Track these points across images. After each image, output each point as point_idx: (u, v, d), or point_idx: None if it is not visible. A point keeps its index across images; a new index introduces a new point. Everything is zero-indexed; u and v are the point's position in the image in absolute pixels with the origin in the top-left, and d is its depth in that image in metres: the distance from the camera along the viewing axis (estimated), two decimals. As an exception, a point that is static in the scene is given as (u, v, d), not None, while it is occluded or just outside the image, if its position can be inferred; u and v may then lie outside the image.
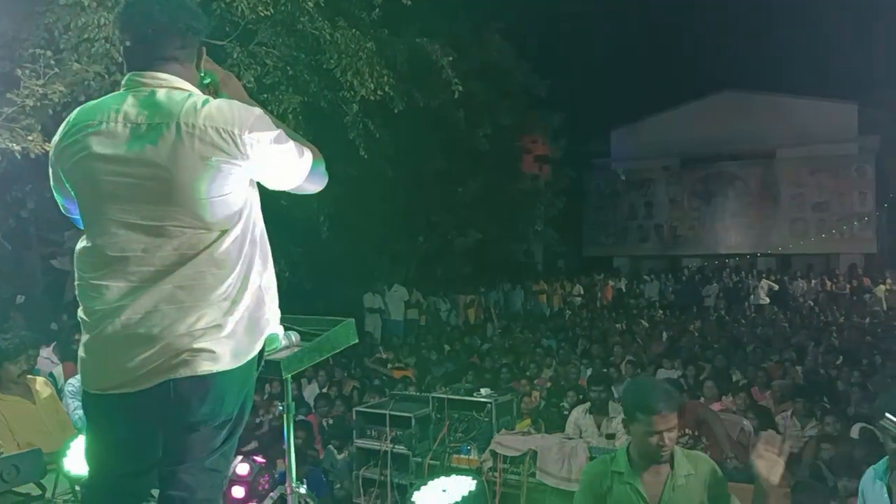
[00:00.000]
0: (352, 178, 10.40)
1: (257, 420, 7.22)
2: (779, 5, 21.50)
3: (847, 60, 21.13)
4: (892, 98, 21.28)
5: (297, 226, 10.58)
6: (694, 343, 12.71)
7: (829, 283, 19.92)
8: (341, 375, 9.32)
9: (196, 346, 1.84)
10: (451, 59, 9.22)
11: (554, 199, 21.54)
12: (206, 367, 1.84)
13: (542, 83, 18.73)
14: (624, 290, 21.47)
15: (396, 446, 5.52)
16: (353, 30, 8.09)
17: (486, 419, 5.65)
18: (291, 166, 2.05)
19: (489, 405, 5.71)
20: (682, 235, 24.65)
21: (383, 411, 5.75)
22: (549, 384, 8.91)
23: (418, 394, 6.39)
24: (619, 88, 23.21)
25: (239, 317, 1.92)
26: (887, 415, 0.93)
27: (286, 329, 2.33)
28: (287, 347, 2.38)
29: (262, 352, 2.06)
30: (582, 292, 20.81)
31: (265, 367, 2.15)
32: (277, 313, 2.12)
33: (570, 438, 5.25)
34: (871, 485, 2.93)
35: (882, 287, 18.56)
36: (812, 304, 18.54)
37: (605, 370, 8.89)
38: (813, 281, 20.04)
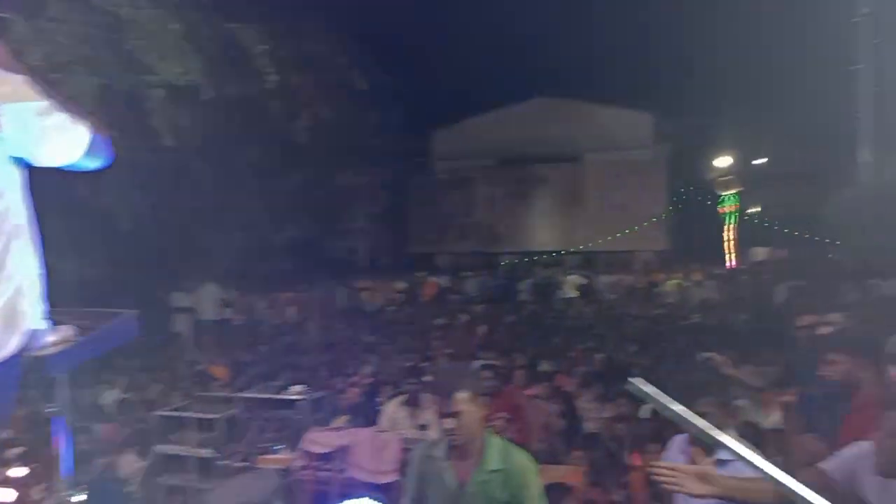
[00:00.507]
0: (155, 167, 9.73)
1: (34, 424, 6.57)
2: (589, 18, 23.01)
3: (646, 72, 23.11)
4: (681, 110, 23.60)
5: (96, 218, 9.75)
6: (508, 335, 13.31)
7: (627, 278, 21.62)
8: (145, 379, 8.72)
9: None
10: (266, 47, 8.91)
11: (375, 197, 21.59)
12: (-50, 362, 1.62)
13: (365, 79, 18.68)
14: (445, 286, 21.96)
15: (201, 450, 5.25)
16: (158, 9, 7.58)
17: (299, 417, 5.54)
18: (61, 141, 1.84)
19: (302, 403, 5.59)
20: (498, 234, 25.69)
21: (187, 414, 5.45)
22: (368, 380, 8.89)
23: (225, 395, 6.12)
24: (440, 89, 23.78)
25: None
26: (630, 379, 0.98)
27: (58, 323, 2.10)
28: (59, 342, 2.14)
29: (25, 348, 1.84)
30: (404, 289, 21.04)
31: (32, 365, 1.93)
32: (43, 306, 1.90)
33: (382, 432, 5.26)
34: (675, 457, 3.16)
35: (672, 281, 20.44)
36: (613, 296, 20.04)
37: (422, 363, 9.03)
38: (614, 276, 21.66)
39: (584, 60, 22.63)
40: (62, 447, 2.34)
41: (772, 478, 1.07)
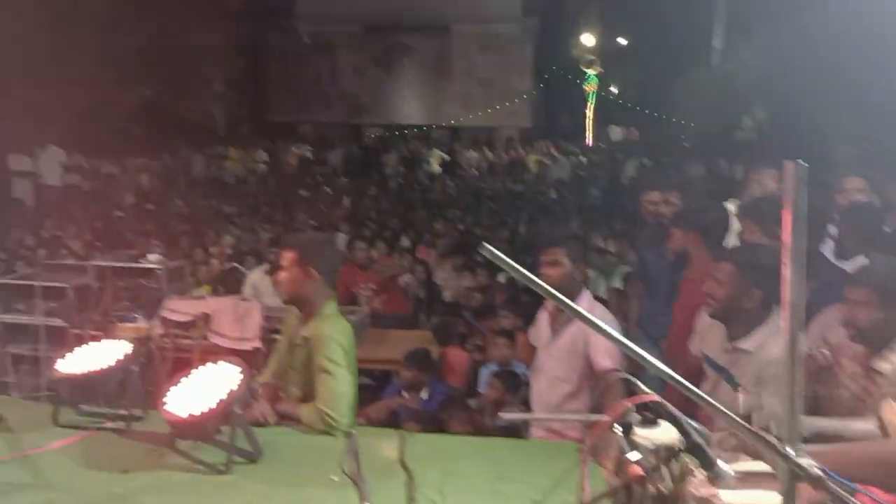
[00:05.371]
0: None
1: None
2: None
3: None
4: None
5: None
6: (372, 208, 13.40)
7: (490, 154, 22.00)
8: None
9: None
10: None
11: (233, 58, 20.31)
12: None
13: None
14: (309, 157, 21.48)
15: (50, 319, 5.05)
16: None
17: (156, 286, 5.41)
18: None
19: (158, 272, 5.45)
20: (364, 104, 25.07)
21: (33, 283, 5.18)
22: (229, 250, 8.74)
23: (75, 263, 5.84)
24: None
25: None
26: (483, 244, 1.06)
27: None
28: None
29: None
30: (266, 159, 20.40)
31: None
32: None
33: (245, 300, 5.25)
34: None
35: (532, 157, 21.04)
36: (476, 172, 20.47)
37: (285, 233, 8.96)
38: (477, 152, 21.95)
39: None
40: None
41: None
